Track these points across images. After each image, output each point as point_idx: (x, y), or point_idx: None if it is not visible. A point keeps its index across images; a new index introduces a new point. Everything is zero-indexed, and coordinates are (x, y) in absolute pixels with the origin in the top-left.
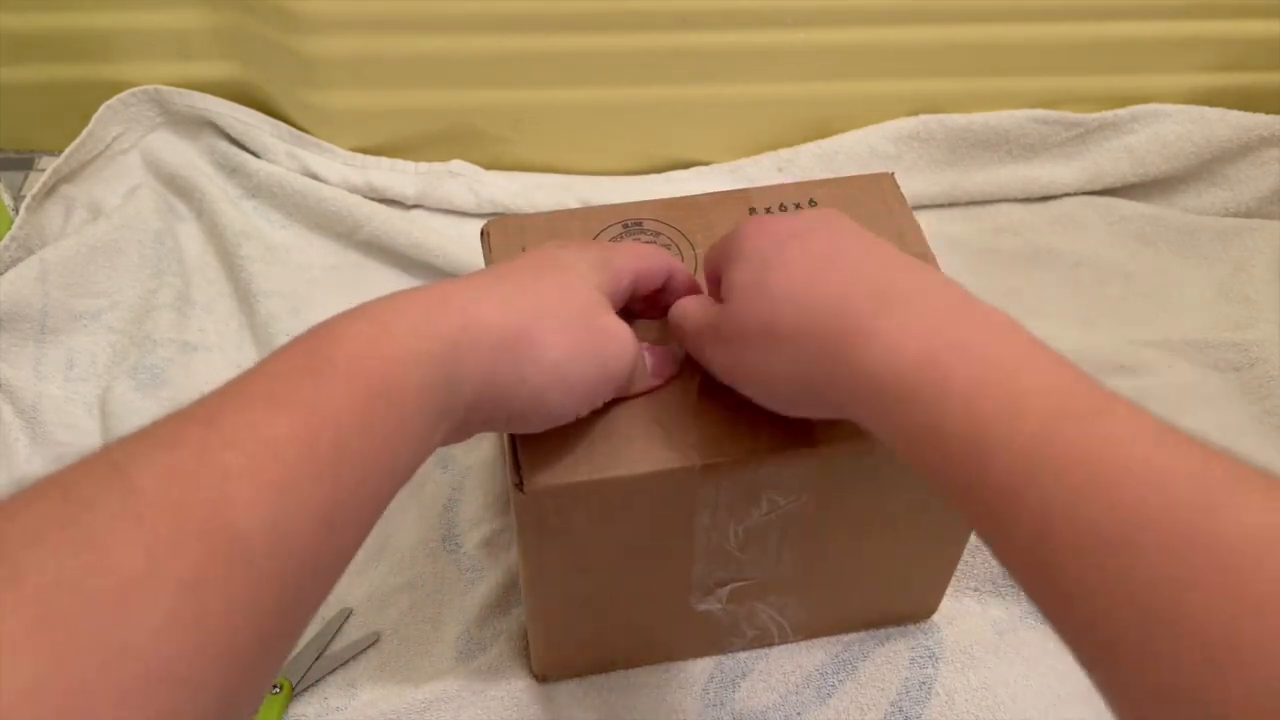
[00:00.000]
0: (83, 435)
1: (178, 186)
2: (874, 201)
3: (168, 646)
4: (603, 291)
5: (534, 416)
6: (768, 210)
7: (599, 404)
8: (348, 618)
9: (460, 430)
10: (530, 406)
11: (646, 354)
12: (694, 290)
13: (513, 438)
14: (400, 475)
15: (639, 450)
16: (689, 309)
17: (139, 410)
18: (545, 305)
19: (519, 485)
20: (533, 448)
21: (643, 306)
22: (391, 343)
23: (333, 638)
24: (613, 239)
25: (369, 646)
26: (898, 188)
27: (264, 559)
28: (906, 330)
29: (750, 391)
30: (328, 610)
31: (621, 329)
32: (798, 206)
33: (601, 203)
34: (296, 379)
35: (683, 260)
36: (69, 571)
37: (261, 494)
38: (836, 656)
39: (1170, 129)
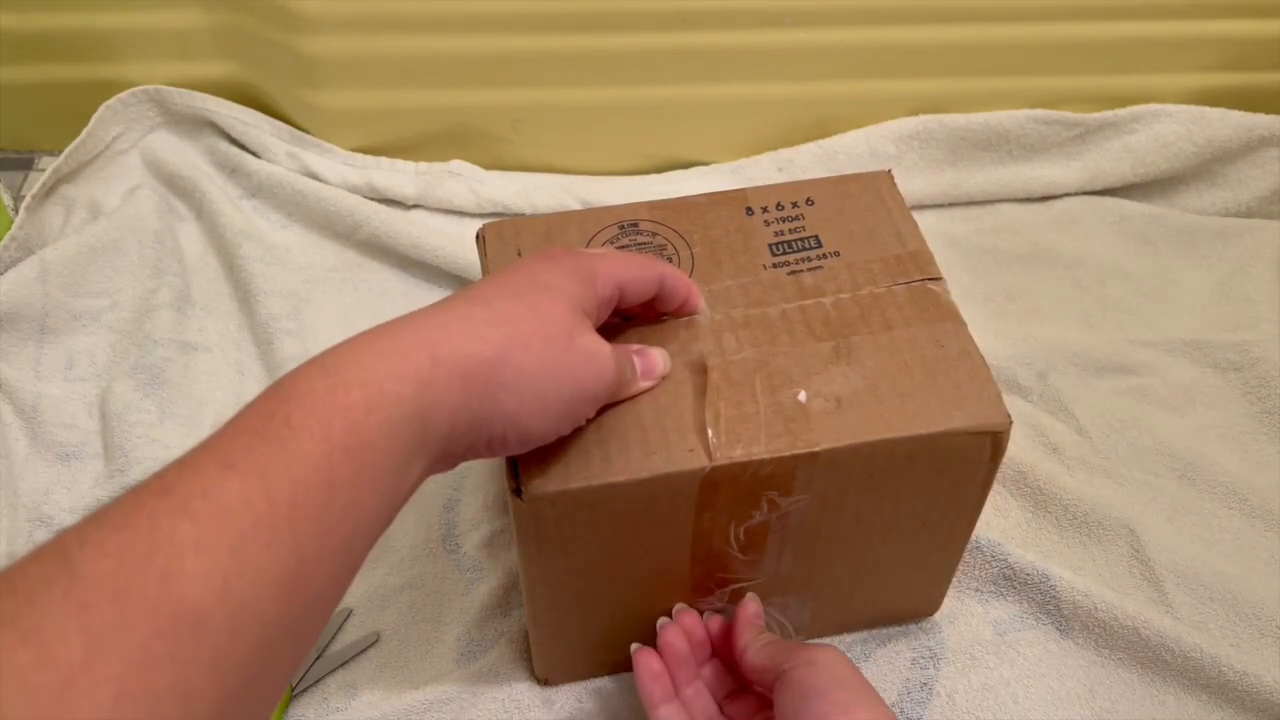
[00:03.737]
0: (82, 435)
1: (178, 186)
2: (871, 200)
3: None
4: (584, 307)
5: (513, 441)
6: (764, 210)
7: (581, 423)
8: (347, 618)
9: (442, 461)
10: (509, 432)
11: (636, 358)
12: (689, 294)
13: None
14: (374, 523)
15: (638, 455)
16: None
17: (139, 409)
18: (520, 330)
19: (517, 492)
20: (532, 455)
21: (638, 310)
22: (349, 392)
23: (332, 638)
24: (609, 240)
25: (369, 647)
26: (895, 186)
27: (220, 628)
28: None
29: None
30: None
31: (600, 349)
32: (795, 205)
33: (601, 203)
34: (252, 442)
35: (679, 263)
36: (12, 668)
37: (214, 563)
38: None
39: (1170, 129)
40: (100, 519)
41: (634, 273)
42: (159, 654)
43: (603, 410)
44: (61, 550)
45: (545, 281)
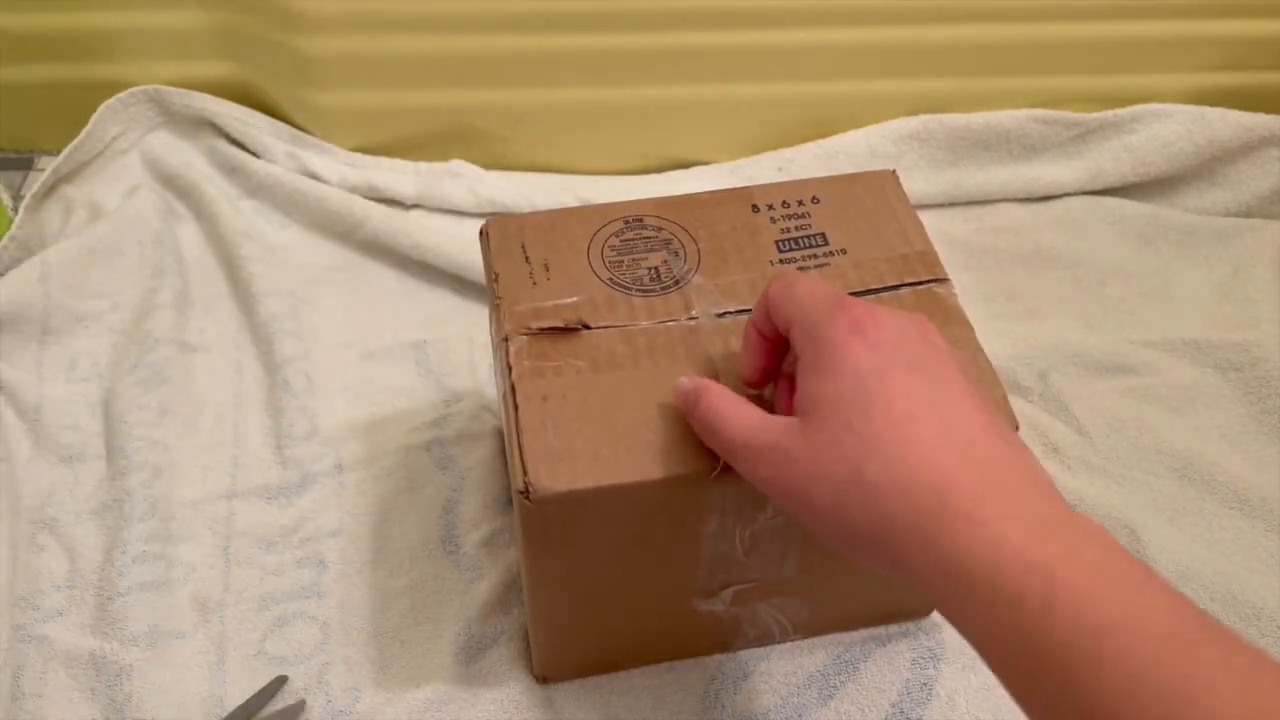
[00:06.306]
0: (85, 436)
1: (177, 186)
2: (877, 199)
3: None
4: None
5: None
6: (769, 207)
7: None
8: (283, 684)
9: None
10: None
11: None
12: None
13: (518, 444)
14: None
15: (647, 456)
16: (729, 417)
17: (143, 408)
18: None
19: (525, 493)
20: (539, 455)
21: None
22: None
23: (265, 705)
24: (614, 235)
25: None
26: (899, 185)
27: None
28: (1012, 522)
29: (801, 518)
30: (260, 679)
31: None
32: (800, 203)
33: (601, 202)
34: None
35: (685, 258)
36: None
37: None
38: (838, 657)
39: (1170, 129)
40: None
41: None
42: None
43: (610, 408)
44: None
45: None
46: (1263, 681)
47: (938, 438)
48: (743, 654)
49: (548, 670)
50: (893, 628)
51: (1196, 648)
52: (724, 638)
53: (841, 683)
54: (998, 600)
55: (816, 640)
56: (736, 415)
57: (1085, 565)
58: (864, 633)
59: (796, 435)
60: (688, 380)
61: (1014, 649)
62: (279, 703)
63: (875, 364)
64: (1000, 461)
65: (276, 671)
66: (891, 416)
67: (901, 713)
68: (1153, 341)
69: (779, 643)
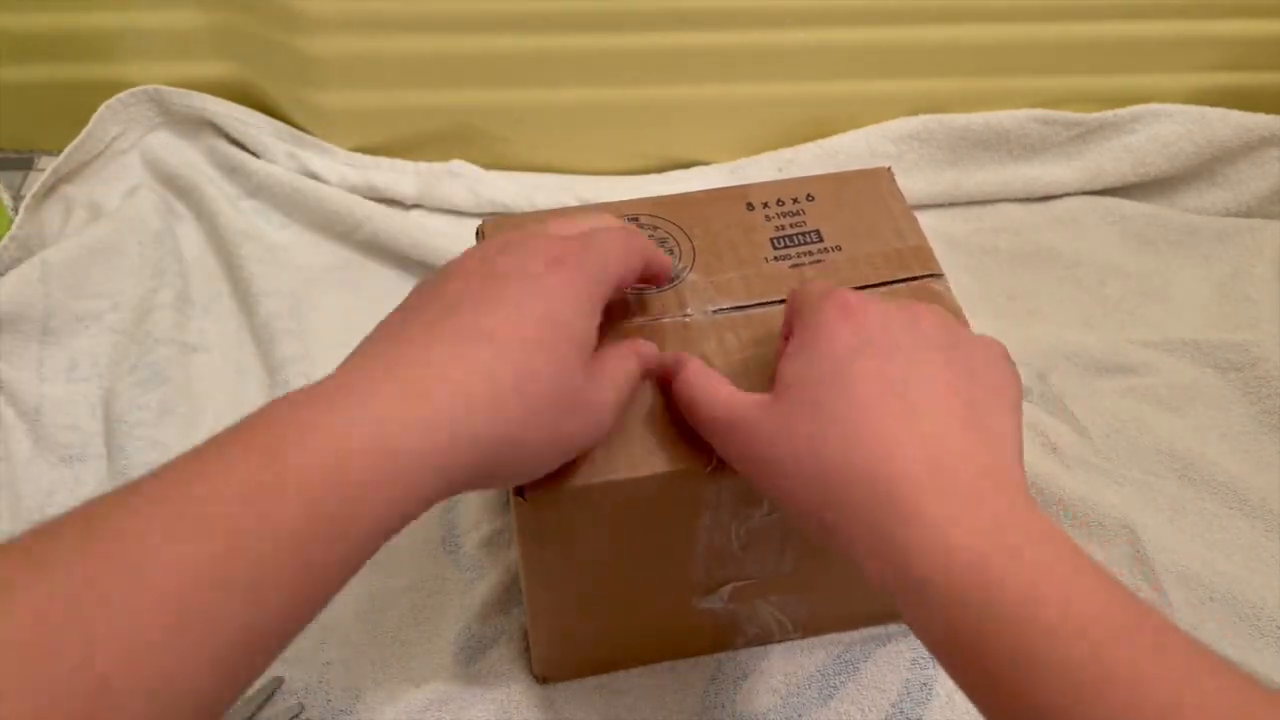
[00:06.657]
0: (85, 436)
1: (177, 186)
2: (871, 196)
3: None
4: (589, 341)
5: (501, 485)
6: (764, 205)
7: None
8: (278, 688)
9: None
10: (502, 483)
11: (631, 366)
12: (663, 265)
13: None
14: (339, 588)
15: (640, 452)
16: (702, 392)
17: (143, 408)
18: (539, 395)
19: (519, 491)
20: None
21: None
22: (358, 467)
23: (261, 707)
24: None
25: (292, 719)
26: (894, 182)
27: (135, 705)
28: (956, 521)
29: (765, 491)
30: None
31: (602, 400)
32: (795, 201)
33: (599, 202)
34: (229, 499)
35: (680, 256)
36: None
37: (141, 639)
38: (838, 657)
39: (1170, 129)
40: (43, 541)
41: (629, 263)
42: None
43: None
44: None
45: (559, 315)
46: (1199, 667)
47: (898, 428)
48: (743, 654)
49: (548, 670)
50: (892, 628)
51: (1130, 642)
52: (723, 636)
53: (841, 683)
54: (942, 601)
55: (816, 640)
56: (709, 390)
57: (1029, 566)
58: (864, 633)
59: (766, 409)
60: (669, 353)
61: (959, 648)
62: (277, 703)
63: (853, 346)
64: (962, 457)
65: (276, 671)
66: (856, 398)
67: (901, 713)
68: (1152, 341)
69: (779, 642)
